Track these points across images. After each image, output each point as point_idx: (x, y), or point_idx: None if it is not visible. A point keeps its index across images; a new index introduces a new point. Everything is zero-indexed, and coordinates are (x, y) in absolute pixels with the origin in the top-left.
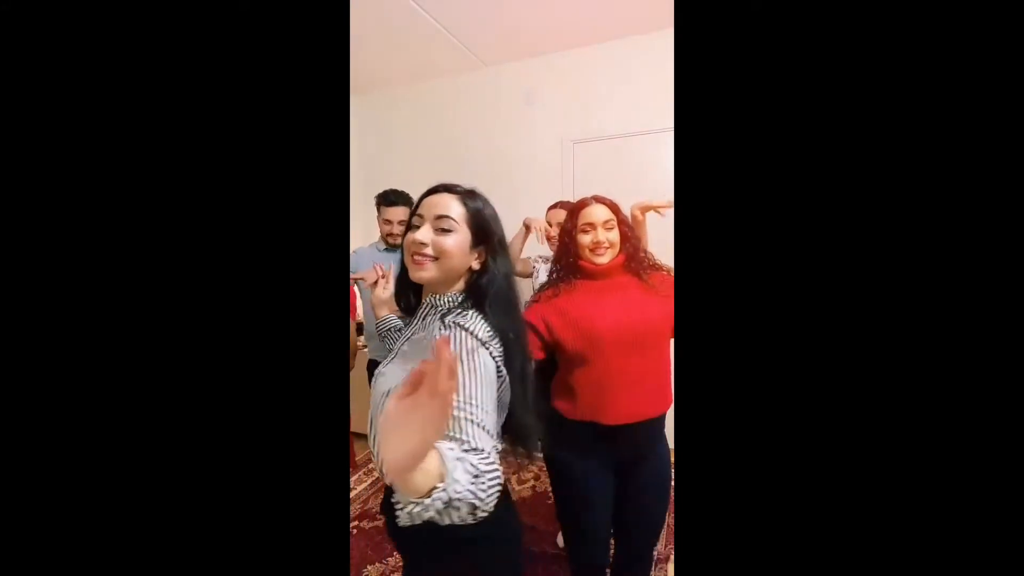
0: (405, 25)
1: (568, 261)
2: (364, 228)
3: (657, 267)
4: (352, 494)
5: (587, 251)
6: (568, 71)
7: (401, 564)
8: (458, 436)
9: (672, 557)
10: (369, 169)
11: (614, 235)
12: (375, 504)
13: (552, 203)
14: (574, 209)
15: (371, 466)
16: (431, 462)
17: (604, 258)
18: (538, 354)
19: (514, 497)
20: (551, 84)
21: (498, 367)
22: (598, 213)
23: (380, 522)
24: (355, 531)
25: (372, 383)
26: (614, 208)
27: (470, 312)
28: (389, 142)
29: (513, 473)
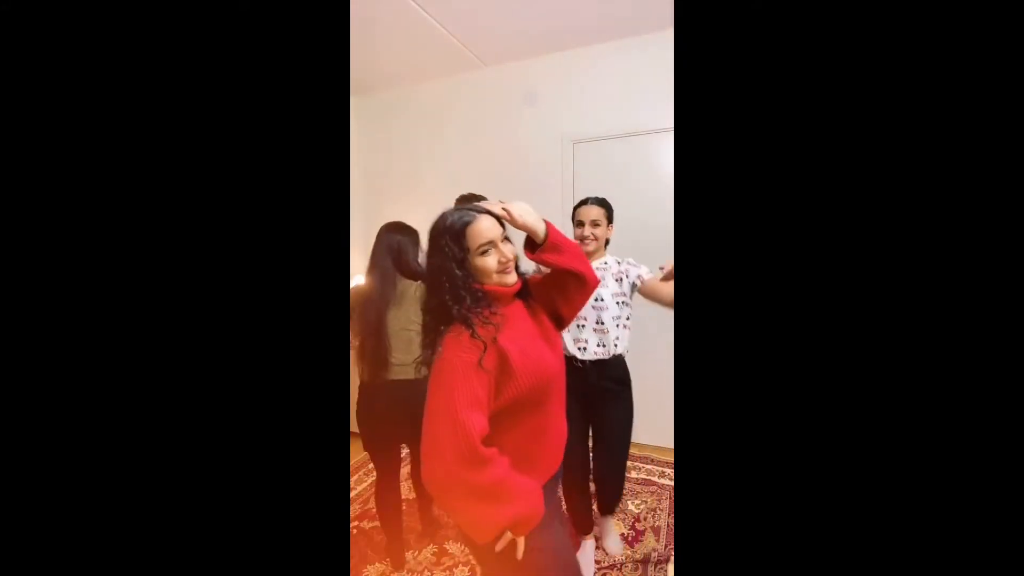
0: (405, 25)
1: (474, 294)
2: (364, 228)
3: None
4: (352, 494)
5: (495, 275)
6: (568, 71)
7: (400, 564)
8: None
9: (672, 558)
10: (369, 170)
11: (509, 247)
12: (375, 504)
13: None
14: (454, 230)
15: (371, 466)
16: None
17: (513, 275)
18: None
19: None
20: (551, 84)
21: None
22: (491, 227)
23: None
24: (355, 531)
25: None
26: (494, 212)
27: None
28: (389, 142)
29: None
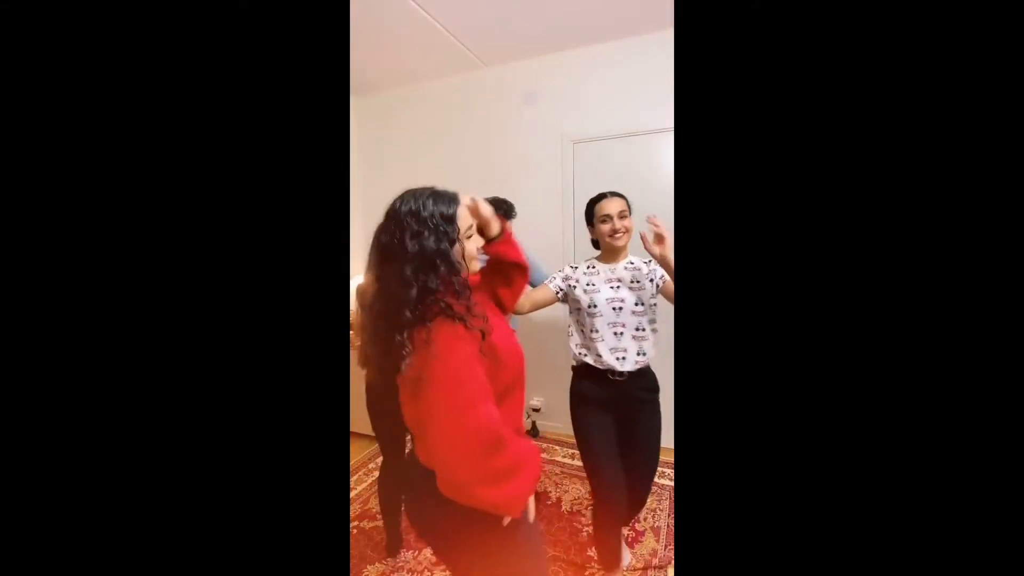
0: (405, 25)
1: (463, 282)
2: (364, 228)
3: None
4: (352, 494)
5: (472, 261)
6: (568, 71)
7: (401, 564)
8: None
9: (672, 561)
10: (369, 169)
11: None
12: (375, 504)
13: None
14: (445, 214)
15: (371, 466)
16: None
17: (476, 263)
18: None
19: None
20: (551, 84)
21: None
22: (468, 213)
23: (380, 522)
24: (355, 531)
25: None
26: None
27: None
28: (389, 142)
29: None
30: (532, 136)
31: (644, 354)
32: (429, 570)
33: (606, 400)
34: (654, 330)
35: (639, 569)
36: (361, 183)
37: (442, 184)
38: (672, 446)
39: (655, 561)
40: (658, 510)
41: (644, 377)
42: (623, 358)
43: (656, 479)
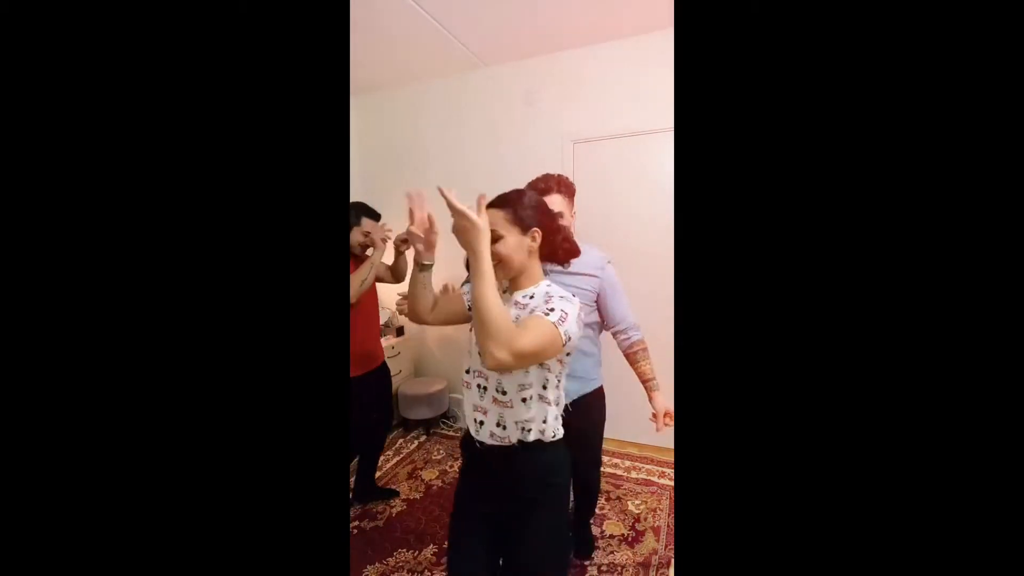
0: (405, 25)
1: None
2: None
3: None
4: (352, 494)
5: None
6: (568, 71)
7: (401, 564)
8: None
9: (672, 561)
10: (369, 170)
11: None
12: (375, 504)
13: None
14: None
15: None
16: None
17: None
18: None
19: None
20: (551, 84)
21: None
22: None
23: (380, 522)
24: (355, 531)
25: None
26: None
27: None
28: (389, 142)
29: None
30: (532, 136)
31: (503, 427)
32: (429, 570)
33: (472, 474)
34: (534, 398)
35: (640, 564)
36: (360, 183)
37: (441, 184)
38: (672, 446)
39: (656, 559)
40: (658, 510)
41: (519, 459)
42: (480, 422)
43: (656, 479)
